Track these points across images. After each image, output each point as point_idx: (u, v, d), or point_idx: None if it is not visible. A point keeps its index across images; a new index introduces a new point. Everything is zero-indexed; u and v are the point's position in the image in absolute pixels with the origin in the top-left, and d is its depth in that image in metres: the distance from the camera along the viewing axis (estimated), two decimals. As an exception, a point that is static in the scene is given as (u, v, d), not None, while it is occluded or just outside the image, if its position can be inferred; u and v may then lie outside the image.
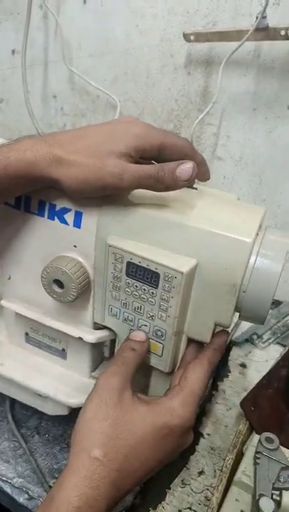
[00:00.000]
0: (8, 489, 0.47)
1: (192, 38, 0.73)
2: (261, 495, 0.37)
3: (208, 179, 0.45)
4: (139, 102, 0.86)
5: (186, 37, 0.73)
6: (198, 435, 0.55)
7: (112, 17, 0.81)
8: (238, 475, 0.43)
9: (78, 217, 0.40)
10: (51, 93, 0.94)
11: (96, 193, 0.37)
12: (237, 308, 0.38)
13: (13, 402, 0.54)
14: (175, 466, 0.51)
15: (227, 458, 0.46)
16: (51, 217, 0.41)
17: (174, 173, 0.35)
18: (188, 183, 0.36)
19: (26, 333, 0.49)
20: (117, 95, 0.86)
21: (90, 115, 0.92)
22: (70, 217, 0.40)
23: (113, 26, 0.82)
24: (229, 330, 0.65)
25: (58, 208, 0.40)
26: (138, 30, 0.80)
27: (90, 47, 0.86)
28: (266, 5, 0.62)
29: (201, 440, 0.54)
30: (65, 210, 0.40)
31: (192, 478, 0.50)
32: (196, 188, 0.45)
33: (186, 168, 0.35)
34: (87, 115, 0.92)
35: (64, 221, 0.41)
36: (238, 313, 0.40)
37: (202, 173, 0.43)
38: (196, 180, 0.45)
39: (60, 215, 0.41)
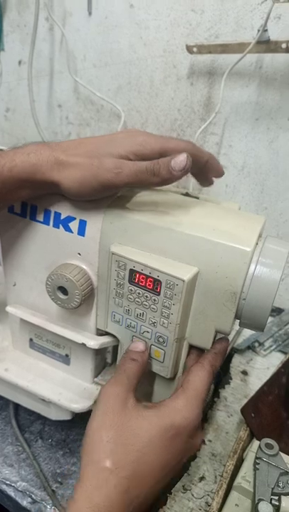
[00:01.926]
0: (11, 493, 0.48)
1: (195, 50, 0.74)
2: (260, 499, 0.38)
3: (223, 174, 0.46)
4: (142, 112, 0.87)
5: (189, 49, 0.75)
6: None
7: (117, 29, 0.83)
8: (238, 480, 0.44)
9: (82, 225, 0.41)
10: (56, 103, 0.96)
11: (95, 193, 0.38)
12: (237, 316, 0.39)
13: (17, 407, 0.55)
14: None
15: (227, 463, 0.47)
16: (56, 226, 0.42)
17: (169, 164, 0.36)
18: (184, 174, 0.37)
19: (31, 339, 0.50)
20: (121, 105, 0.87)
21: (95, 124, 0.94)
22: (74, 225, 0.41)
23: (117, 38, 0.84)
24: (230, 337, 0.66)
25: (62, 217, 0.42)
26: (142, 42, 0.82)
27: (95, 58, 0.88)
28: (267, 19, 0.63)
29: (203, 446, 0.55)
30: (70, 219, 0.41)
31: (193, 484, 0.51)
32: (197, 197, 0.46)
33: (180, 158, 0.36)
34: (92, 124, 0.94)
35: (69, 229, 0.42)
36: (238, 321, 0.40)
37: (214, 169, 0.44)
38: (200, 188, 0.46)
39: (64, 223, 0.42)
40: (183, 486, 0.50)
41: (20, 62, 0.97)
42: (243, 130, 0.78)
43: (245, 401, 0.55)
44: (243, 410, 0.53)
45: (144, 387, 0.45)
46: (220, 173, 0.45)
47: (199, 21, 0.75)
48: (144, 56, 0.82)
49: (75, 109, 0.94)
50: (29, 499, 0.48)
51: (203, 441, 0.55)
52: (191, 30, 0.76)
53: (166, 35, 0.78)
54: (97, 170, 0.36)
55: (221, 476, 0.46)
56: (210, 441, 0.56)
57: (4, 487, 0.48)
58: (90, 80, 0.89)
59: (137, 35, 0.81)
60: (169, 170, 0.36)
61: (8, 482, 0.48)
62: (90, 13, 0.85)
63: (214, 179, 0.47)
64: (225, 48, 0.71)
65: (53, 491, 0.48)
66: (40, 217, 0.42)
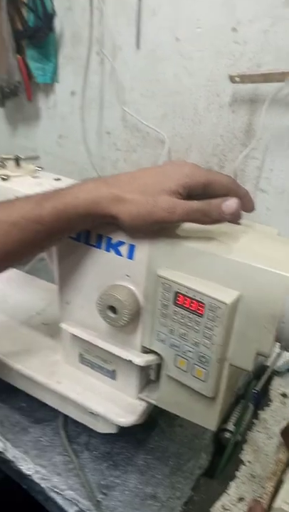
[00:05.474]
0: (59, 501, 0.50)
1: (237, 79, 0.77)
2: (300, 521, 0.38)
3: (253, 210, 0.48)
4: (186, 138, 0.91)
5: (232, 79, 0.78)
6: (239, 462, 0.56)
7: (163, 60, 0.88)
8: (278, 502, 0.44)
9: (131, 249, 0.44)
10: (105, 130, 1.02)
11: (149, 227, 0.41)
12: (277, 339, 0.40)
13: (66, 418, 0.58)
14: (216, 490, 0.53)
15: (267, 485, 0.47)
16: (107, 249, 0.46)
17: (220, 207, 0.39)
18: (233, 218, 0.40)
19: (81, 354, 0.53)
20: (166, 131, 0.91)
21: (140, 150, 0.98)
22: (124, 249, 0.45)
23: (163, 69, 0.88)
24: (270, 360, 0.66)
25: (113, 241, 0.45)
26: (186, 72, 0.86)
27: (142, 88, 0.93)
28: (309, 50, 0.66)
29: (242, 467, 0.56)
30: (120, 243, 0.45)
31: (232, 504, 0.51)
32: (239, 223, 0.48)
33: (230, 203, 0.39)
34: (138, 150, 0.99)
35: (119, 253, 0.45)
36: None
37: (247, 204, 0.46)
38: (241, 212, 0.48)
39: (115, 247, 0.45)
40: (222, 506, 0.51)
41: (72, 93, 1.04)
42: (284, 154, 0.79)
43: (284, 423, 0.55)
44: (283, 433, 0.53)
45: (185, 404, 0.47)
46: (250, 210, 0.47)
47: (242, 52, 0.78)
48: (188, 85, 0.86)
49: (123, 136, 0.99)
50: (76, 508, 0.50)
51: (242, 462, 0.56)
52: (234, 61, 0.79)
53: (210, 66, 0.82)
54: (153, 208, 0.39)
55: (260, 497, 0.47)
56: (249, 462, 0.56)
57: (53, 495, 0.51)
58: (136, 109, 0.94)
59: (181, 66, 0.86)
60: (219, 213, 0.39)
61: (56, 490, 0.51)
62: (138, 47, 0.90)
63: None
64: (267, 77, 0.74)
65: (98, 501, 0.50)
66: (94, 242, 0.46)
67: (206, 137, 0.88)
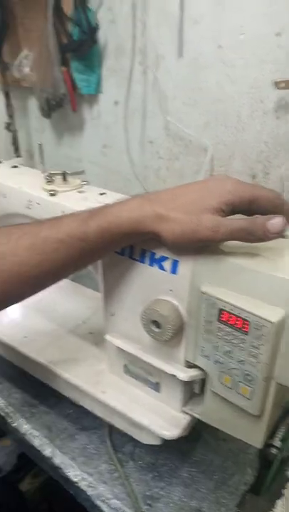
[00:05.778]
0: (105, 509, 0.51)
1: (283, 85, 0.76)
2: None
3: None
4: (229, 145, 0.90)
5: (277, 84, 0.76)
6: (285, 479, 0.55)
7: (205, 69, 0.87)
8: None
9: (175, 264, 0.45)
10: (148, 139, 1.03)
11: (191, 245, 0.42)
12: None
13: (111, 427, 0.60)
14: (262, 508, 0.52)
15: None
16: (151, 264, 0.46)
17: (265, 226, 0.38)
18: (279, 236, 0.39)
19: (125, 365, 0.54)
20: (209, 139, 0.91)
21: (183, 158, 0.98)
22: (167, 264, 0.45)
23: (206, 77, 0.88)
24: None
25: (157, 256, 0.46)
26: (229, 80, 0.85)
27: (184, 96, 0.93)
28: None
29: (289, 484, 0.54)
30: (164, 258, 0.45)
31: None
32: (283, 236, 0.47)
33: (275, 222, 0.38)
34: (180, 158, 0.99)
35: (162, 268, 0.46)
36: None
37: None
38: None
39: (159, 262, 0.46)
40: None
41: (116, 103, 1.05)
42: None
43: None
44: None
45: (230, 420, 0.46)
46: None
47: (286, 57, 0.76)
48: (231, 93, 0.86)
49: (165, 144, 1.00)
50: (121, 517, 0.51)
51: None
52: (278, 66, 0.78)
53: (253, 73, 0.81)
54: (196, 227, 0.39)
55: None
56: (297, 479, 0.55)
57: (99, 503, 0.52)
58: (179, 118, 0.94)
59: (224, 74, 0.85)
60: (264, 231, 0.38)
61: (103, 498, 0.52)
62: (180, 56, 0.90)
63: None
64: (313, 82, 0.72)
65: None
66: (137, 256, 0.47)
67: (250, 144, 0.87)
